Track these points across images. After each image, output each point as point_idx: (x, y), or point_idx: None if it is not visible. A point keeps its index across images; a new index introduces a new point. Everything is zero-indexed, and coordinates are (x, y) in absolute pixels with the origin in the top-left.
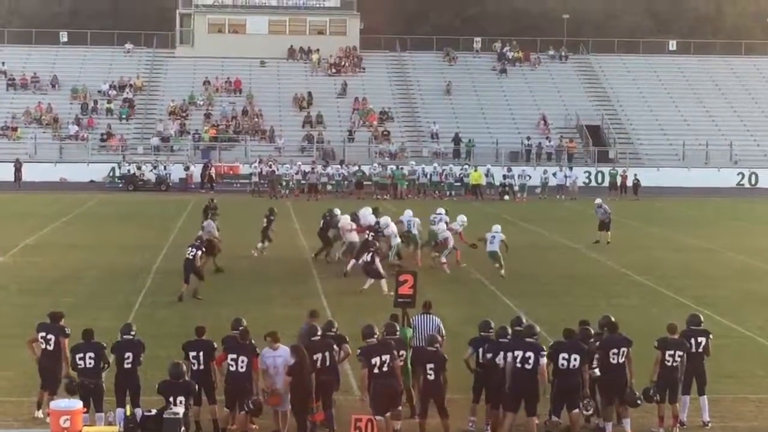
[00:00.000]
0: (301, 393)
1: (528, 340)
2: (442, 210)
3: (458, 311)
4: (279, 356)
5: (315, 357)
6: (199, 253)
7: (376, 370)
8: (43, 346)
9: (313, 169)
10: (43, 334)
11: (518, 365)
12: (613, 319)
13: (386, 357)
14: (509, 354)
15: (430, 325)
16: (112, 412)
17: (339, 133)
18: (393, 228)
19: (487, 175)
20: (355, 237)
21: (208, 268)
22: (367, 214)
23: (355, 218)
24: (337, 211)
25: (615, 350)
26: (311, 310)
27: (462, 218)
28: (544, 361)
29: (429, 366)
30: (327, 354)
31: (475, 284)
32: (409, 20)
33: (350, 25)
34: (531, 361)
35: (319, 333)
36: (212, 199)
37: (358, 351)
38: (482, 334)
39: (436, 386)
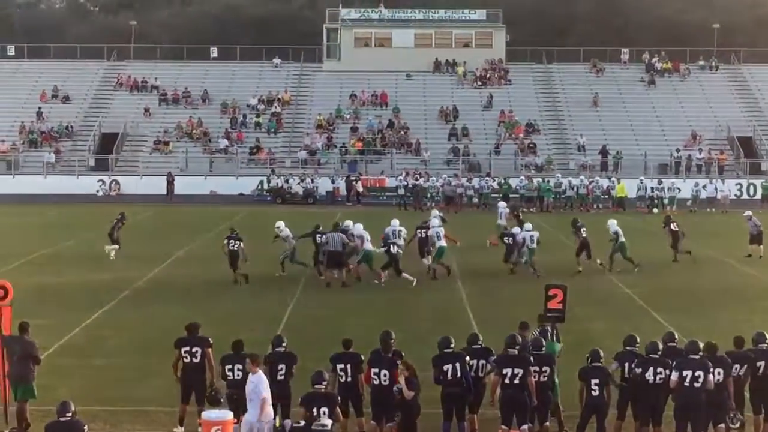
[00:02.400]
0: (413, 408)
1: (692, 357)
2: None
3: (606, 325)
4: (251, 382)
5: (445, 368)
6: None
7: (506, 381)
8: (188, 360)
9: (449, 181)
10: (187, 348)
11: (686, 384)
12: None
13: (519, 371)
14: (677, 373)
15: None
16: None
17: (485, 146)
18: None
19: (639, 189)
20: (370, 247)
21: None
22: (360, 228)
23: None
24: (349, 223)
25: None
26: (522, 321)
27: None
28: (711, 377)
29: (594, 381)
30: (458, 365)
31: (623, 298)
32: (555, 32)
33: (496, 38)
34: (701, 379)
35: (452, 345)
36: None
37: (493, 358)
38: (628, 348)
39: (600, 402)
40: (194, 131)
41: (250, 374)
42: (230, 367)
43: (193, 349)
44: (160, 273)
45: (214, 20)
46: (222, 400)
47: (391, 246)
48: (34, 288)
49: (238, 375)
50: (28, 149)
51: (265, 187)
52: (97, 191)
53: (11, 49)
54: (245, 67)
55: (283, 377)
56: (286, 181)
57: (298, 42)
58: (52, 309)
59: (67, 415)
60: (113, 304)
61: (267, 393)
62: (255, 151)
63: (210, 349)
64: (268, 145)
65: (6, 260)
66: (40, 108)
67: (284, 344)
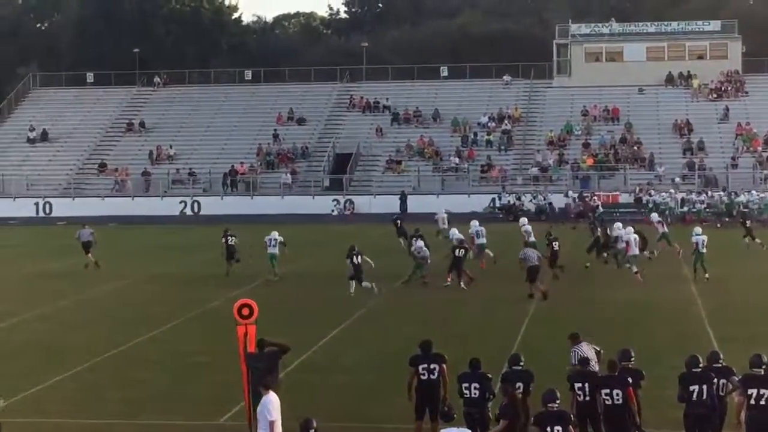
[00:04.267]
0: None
1: None
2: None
3: None
4: (261, 404)
5: (692, 389)
6: None
7: (752, 401)
8: (425, 377)
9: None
10: (425, 365)
11: None
12: None
13: (765, 391)
14: None
15: None
16: None
17: (721, 160)
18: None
19: None
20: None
21: None
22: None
23: None
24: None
25: None
26: None
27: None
28: None
29: None
30: (705, 387)
31: None
32: None
33: (731, 49)
34: None
35: (701, 365)
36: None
37: (737, 378)
38: None
39: None
40: (426, 150)
41: (263, 396)
42: (467, 385)
43: (431, 366)
44: (394, 290)
45: (443, 39)
46: (455, 416)
47: (354, 257)
48: (274, 305)
49: (475, 393)
50: (266, 170)
51: (497, 204)
52: (332, 210)
53: (248, 74)
54: (475, 85)
55: (520, 395)
56: (518, 198)
57: (528, 59)
58: (292, 326)
59: (310, 431)
60: (350, 322)
61: (272, 416)
62: (486, 169)
63: (445, 365)
64: (500, 162)
65: (249, 279)
66: (276, 130)
67: (522, 363)
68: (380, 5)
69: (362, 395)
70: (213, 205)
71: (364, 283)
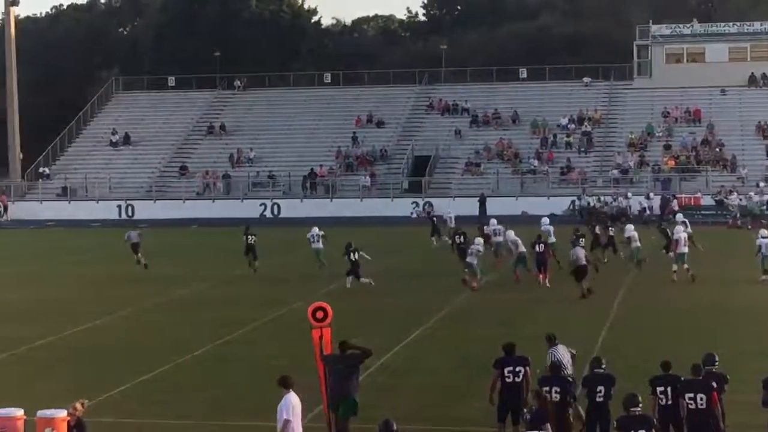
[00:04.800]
0: None
1: None
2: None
3: None
4: (282, 401)
5: None
6: None
7: None
8: (510, 380)
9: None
10: (510, 367)
11: None
12: None
13: None
14: None
15: None
16: None
17: None
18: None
19: None
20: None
21: None
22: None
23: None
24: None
25: None
26: None
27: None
28: None
29: None
30: None
31: None
32: None
33: None
34: None
35: None
36: None
37: None
38: None
39: None
40: (505, 152)
41: (285, 395)
42: (548, 388)
43: (516, 369)
44: (474, 293)
45: (522, 41)
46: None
47: (351, 254)
48: (352, 308)
49: (555, 396)
50: (345, 173)
51: (577, 206)
52: (411, 213)
53: (327, 77)
54: (555, 87)
55: (601, 399)
56: (598, 201)
57: (608, 60)
58: (372, 329)
59: None
60: (431, 324)
61: (288, 415)
62: (566, 171)
63: (529, 368)
64: (580, 165)
65: (324, 282)
66: (355, 133)
67: (603, 365)
68: (459, 7)
69: (442, 397)
70: (292, 208)
71: (362, 279)
